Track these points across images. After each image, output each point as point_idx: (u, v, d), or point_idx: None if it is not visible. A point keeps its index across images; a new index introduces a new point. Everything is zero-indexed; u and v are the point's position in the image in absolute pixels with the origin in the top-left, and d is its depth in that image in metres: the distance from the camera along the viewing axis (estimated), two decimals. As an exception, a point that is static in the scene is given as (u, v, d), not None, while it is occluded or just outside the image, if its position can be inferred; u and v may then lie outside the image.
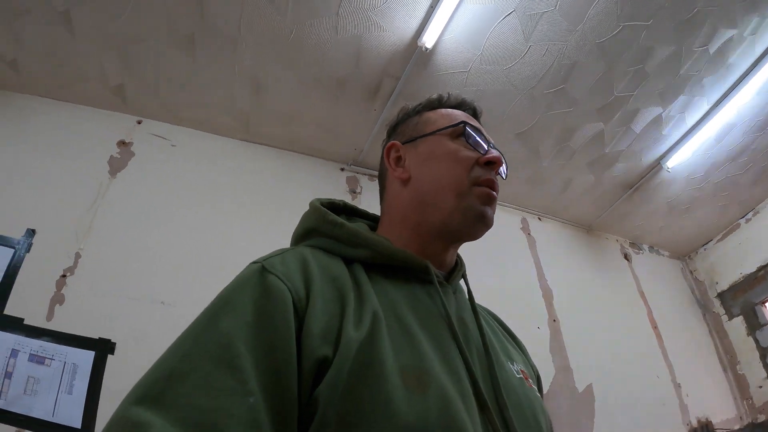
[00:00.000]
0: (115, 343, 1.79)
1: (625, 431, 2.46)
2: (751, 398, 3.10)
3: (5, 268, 1.84)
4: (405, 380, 0.55)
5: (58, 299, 1.84)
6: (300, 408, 0.52)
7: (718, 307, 3.45)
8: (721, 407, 2.99)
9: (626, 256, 3.34)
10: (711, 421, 2.83)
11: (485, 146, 0.82)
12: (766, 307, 3.19)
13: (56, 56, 2.16)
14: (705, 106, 2.51)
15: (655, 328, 3.00)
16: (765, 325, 3.12)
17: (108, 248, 2.02)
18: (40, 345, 1.75)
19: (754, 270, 3.24)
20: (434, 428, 0.53)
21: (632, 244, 3.46)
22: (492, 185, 0.78)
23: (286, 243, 0.81)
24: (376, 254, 0.72)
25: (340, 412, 0.52)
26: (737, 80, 2.39)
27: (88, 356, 1.77)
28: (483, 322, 0.75)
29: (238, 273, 0.62)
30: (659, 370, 2.83)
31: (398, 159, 0.85)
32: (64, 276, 1.90)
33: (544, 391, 2.30)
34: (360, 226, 0.78)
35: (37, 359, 1.73)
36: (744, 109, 2.54)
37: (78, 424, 1.68)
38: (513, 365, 0.75)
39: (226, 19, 2.09)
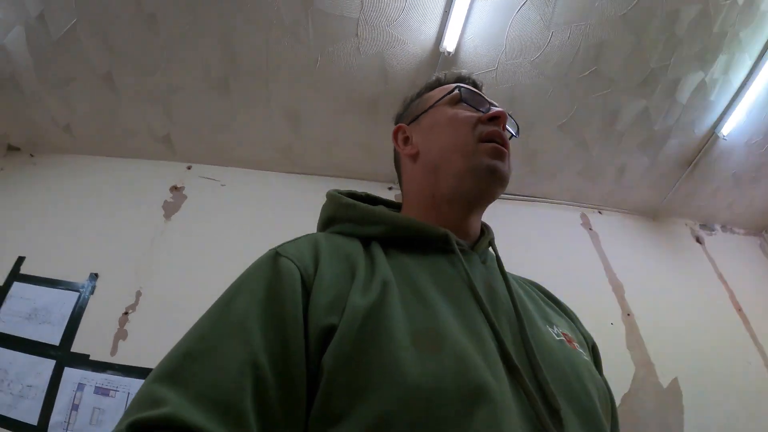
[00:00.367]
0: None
1: (719, 426, 2.25)
2: None
3: (71, 311, 2.01)
4: (417, 343, 0.54)
5: (121, 335, 1.97)
6: (309, 378, 0.53)
7: (806, 280, 3.14)
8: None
9: (698, 239, 3.12)
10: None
11: (486, 105, 0.82)
12: None
13: (105, 116, 2.32)
14: (748, 62, 2.33)
15: (739, 311, 2.76)
16: None
17: (166, 285, 2.13)
18: (105, 378, 1.86)
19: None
20: (449, 386, 0.51)
21: (703, 226, 3.24)
22: (498, 137, 0.76)
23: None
24: (391, 228, 0.72)
25: (346, 379, 0.52)
26: (776, 26, 2.21)
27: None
28: (515, 287, 0.72)
29: None
30: (750, 356, 2.59)
31: (406, 139, 0.87)
32: (126, 313, 2.02)
33: (626, 390, 2.19)
34: (378, 208, 0.77)
35: (102, 391, 1.84)
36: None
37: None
38: (553, 328, 0.70)
39: (254, 58, 2.18)
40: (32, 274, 2.03)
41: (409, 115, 0.90)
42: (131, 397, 1.88)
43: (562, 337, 0.69)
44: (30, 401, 1.80)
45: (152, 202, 2.41)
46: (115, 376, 1.86)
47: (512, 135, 0.86)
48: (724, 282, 2.91)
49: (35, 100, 2.20)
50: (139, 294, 2.08)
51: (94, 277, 2.11)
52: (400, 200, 0.88)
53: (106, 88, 2.21)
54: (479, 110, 0.81)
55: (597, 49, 2.15)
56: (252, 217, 2.48)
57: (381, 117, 2.46)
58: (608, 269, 2.66)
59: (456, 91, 0.83)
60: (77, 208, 2.28)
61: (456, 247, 0.70)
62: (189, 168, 2.61)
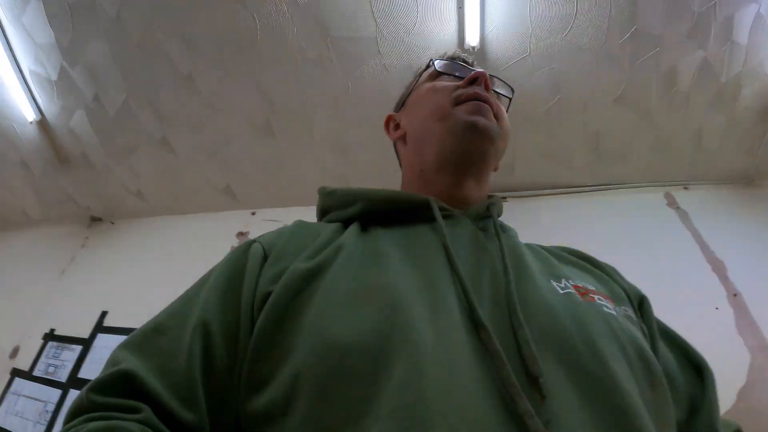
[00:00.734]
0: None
1: None
2: None
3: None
4: (351, 300, 0.51)
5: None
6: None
7: None
8: None
9: (807, 198, 2.67)
10: None
11: (467, 70, 0.80)
12: None
13: (168, 177, 2.51)
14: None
15: None
16: None
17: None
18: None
19: None
20: (369, 338, 0.46)
21: (809, 181, 2.77)
22: (477, 97, 0.72)
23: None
24: (368, 203, 0.69)
25: (273, 343, 0.50)
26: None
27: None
28: (514, 247, 0.64)
29: None
30: None
31: (396, 126, 0.87)
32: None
33: (742, 383, 1.88)
34: (358, 188, 0.75)
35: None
36: None
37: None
38: (561, 282, 0.59)
39: (290, 97, 2.25)
40: (114, 325, 2.20)
41: (399, 103, 0.90)
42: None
43: (571, 290, 0.58)
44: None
45: (222, 249, 2.53)
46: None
47: (501, 96, 0.83)
48: None
49: (106, 172, 2.43)
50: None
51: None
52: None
53: (164, 151, 2.40)
54: (459, 77, 0.79)
55: (630, 7, 1.96)
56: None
57: (428, 129, 2.41)
58: (704, 248, 2.35)
59: (431, 65, 0.82)
60: (154, 263, 2.45)
61: (437, 211, 0.65)
62: (253, 214, 2.72)
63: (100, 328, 2.23)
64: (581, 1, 1.96)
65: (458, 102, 0.72)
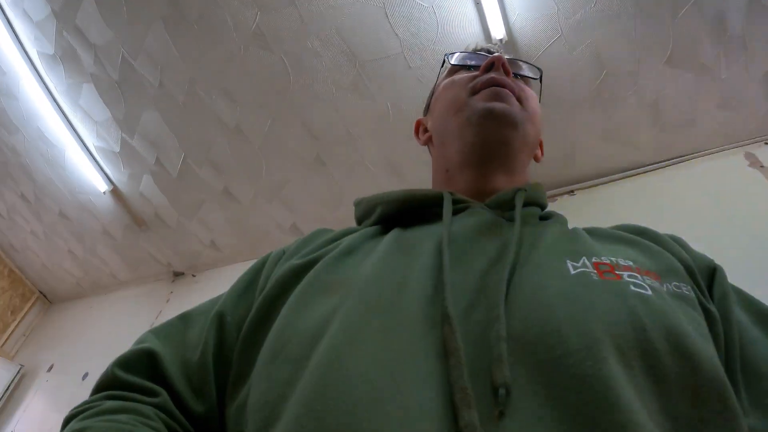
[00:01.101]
0: None
1: None
2: None
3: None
4: (320, 291, 0.51)
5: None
6: None
7: None
8: None
9: None
10: None
11: (483, 57, 0.75)
12: None
13: (237, 225, 2.63)
14: None
15: None
16: None
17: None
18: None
19: None
20: (313, 324, 0.45)
21: None
22: (493, 82, 0.68)
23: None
24: (386, 205, 0.66)
25: (253, 339, 0.51)
26: None
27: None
28: (531, 232, 0.56)
29: None
30: None
31: (425, 130, 0.85)
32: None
33: None
34: (383, 192, 0.73)
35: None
36: None
37: None
38: (579, 260, 0.48)
39: (334, 128, 2.30)
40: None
41: (426, 106, 0.89)
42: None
43: (587, 269, 0.47)
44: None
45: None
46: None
47: (528, 78, 0.79)
48: None
49: (180, 228, 2.61)
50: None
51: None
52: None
53: (229, 201, 2.53)
54: (478, 68, 0.74)
55: (659, -43, 1.83)
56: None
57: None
58: (800, 207, 2.10)
59: (445, 61, 0.81)
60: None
61: (447, 204, 0.59)
62: (321, 247, 2.79)
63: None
64: (602, -34, 1.86)
65: (474, 91, 0.69)
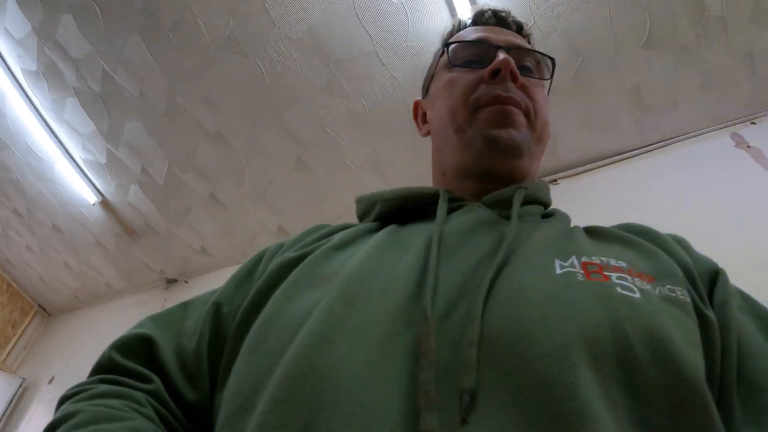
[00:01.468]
0: None
1: None
2: None
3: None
4: (305, 285, 0.51)
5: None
6: None
7: None
8: None
9: None
10: None
11: (493, 53, 0.65)
12: None
13: (226, 230, 2.66)
14: None
15: None
16: None
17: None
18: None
19: None
20: (294, 315, 0.45)
21: None
22: (499, 100, 0.61)
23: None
24: (385, 202, 0.65)
25: (242, 330, 0.51)
26: None
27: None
28: (525, 229, 0.55)
29: None
30: None
31: (424, 116, 0.78)
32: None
33: None
34: (382, 190, 0.71)
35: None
36: None
37: None
38: (567, 260, 0.47)
39: (313, 128, 2.31)
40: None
41: (424, 87, 0.80)
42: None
43: (574, 269, 0.45)
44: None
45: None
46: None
47: (535, 77, 0.68)
48: None
49: (170, 236, 2.64)
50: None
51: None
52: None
53: (215, 207, 2.56)
54: (483, 65, 0.65)
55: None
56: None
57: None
58: (790, 185, 2.06)
59: (444, 53, 0.71)
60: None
61: (442, 202, 0.58)
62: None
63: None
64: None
65: (477, 105, 0.63)
